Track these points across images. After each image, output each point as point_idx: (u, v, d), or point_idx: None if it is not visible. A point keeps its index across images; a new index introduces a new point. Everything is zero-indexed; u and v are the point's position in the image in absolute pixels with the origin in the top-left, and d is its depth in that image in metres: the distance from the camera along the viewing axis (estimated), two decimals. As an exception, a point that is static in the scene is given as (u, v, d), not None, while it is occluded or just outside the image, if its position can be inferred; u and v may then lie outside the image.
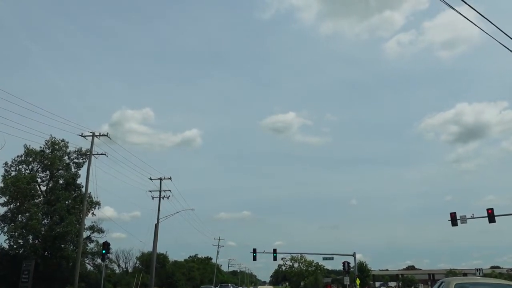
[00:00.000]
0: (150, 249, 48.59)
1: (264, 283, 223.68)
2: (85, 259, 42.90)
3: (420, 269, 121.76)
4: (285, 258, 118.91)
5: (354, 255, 55.65)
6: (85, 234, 42.64)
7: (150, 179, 47.93)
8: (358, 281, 54.93)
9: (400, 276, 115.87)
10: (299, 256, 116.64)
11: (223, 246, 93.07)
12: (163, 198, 47.94)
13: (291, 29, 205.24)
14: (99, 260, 41.74)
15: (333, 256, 58.29)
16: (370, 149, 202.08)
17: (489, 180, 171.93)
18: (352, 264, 50.22)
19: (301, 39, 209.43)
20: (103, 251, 32.01)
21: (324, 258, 58.02)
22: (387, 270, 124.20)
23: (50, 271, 34.77)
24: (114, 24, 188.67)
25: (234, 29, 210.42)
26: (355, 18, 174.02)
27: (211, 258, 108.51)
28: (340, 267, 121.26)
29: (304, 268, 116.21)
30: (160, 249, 69.38)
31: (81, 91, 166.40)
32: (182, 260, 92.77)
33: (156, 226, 46.03)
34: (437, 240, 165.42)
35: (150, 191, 47.79)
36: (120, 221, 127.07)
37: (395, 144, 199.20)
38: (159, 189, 47.76)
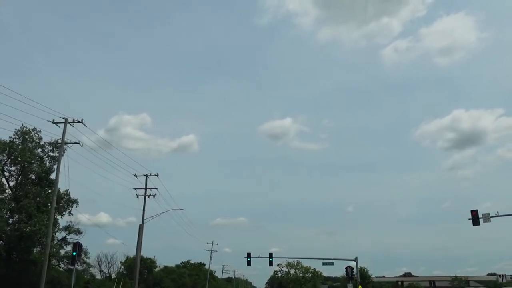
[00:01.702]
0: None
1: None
2: (61, 263, 38.57)
3: (417, 276, 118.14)
4: (281, 264, 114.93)
5: (356, 260, 51.63)
6: (60, 235, 38.59)
7: (135, 175, 43.89)
8: (360, 288, 50.99)
9: (400, 283, 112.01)
10: (295, 262, 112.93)
11: (216, 251, 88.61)
12: (148, 197, 43.88)
13: (289, 35, 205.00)
14: (75, 265, 37.28)
15: (333, 261, 54.32)
16: (367, 156, 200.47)
17: (486, 187, 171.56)
18: (354, 270, 46.13)
19: (299, 45, 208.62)
20: (74, 253, 27.86)
21: (324, 263, 53.88)
22: (383, 277, 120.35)
23: (15, 276, 30.42)
24: (113, 29, 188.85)
25: (232, 34, 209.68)
26: (353, 25, 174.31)
27: (204, 264, 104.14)
28: (337, 274, 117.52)
29: (300, 275, 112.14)
30: (149, 254, 65.02)
31: (79, 94, 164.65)
32: (173, 265, 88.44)
33: (141, 227, 41.79)
34: (433, 247, 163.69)
35: (135, 188, 43.73)
36: (115, 227, 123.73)
37: (392, 151, 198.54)
38: (144, 187, 43.78)
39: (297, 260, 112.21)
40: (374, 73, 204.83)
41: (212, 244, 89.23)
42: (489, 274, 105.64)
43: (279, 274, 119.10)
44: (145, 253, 63.71)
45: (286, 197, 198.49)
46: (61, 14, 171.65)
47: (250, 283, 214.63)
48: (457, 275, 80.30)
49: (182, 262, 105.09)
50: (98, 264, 56.46)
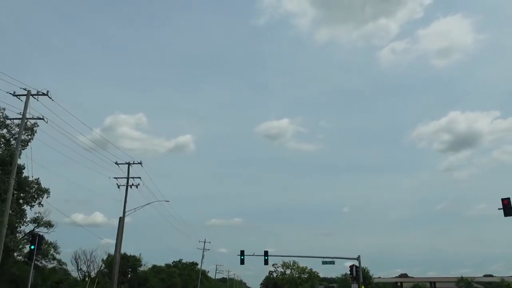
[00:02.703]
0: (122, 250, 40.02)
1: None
2: (28, 260, 33.95)
3: (413, 277, 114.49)
4: (276, 264, 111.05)
5: (358, 258, 47.41)
6: (27, 228, 34.17)
7: (116, 163, 39.42)
8: (363, 289, 46.79)
9: (399, 284, 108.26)
10: (291, 262, 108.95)
11: (208, 249, 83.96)
12: (131, 187, 39.47)
13: (287, 35, 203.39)
14: (43, 262, 32.91)
15: (334, 260, 50.11)
16: (363, 157, 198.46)
17: (480, 189, 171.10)
18: (359, 269, 41.85)
19: (297, 45, 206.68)
20: (31, 247, 23.41)
21: (324, 262, 49.56)
22: (379, 277, 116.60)
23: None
24: (111, 29, 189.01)
25: (229, 34, 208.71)
26: (350, 25, 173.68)
27: (197, 264, 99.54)
28: (333, 275, 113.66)
29: (296, 275, 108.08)
30: (136, 253, 60.13)
31: (76, 94, 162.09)
32: (163, 265, 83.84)
33: (121, 219, 37.35)
34: (427, 249, 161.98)
35: (116, 178, 39.27)
36: (110, 226, 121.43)
37: (389, 152, 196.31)
38: (126, 176, 39.33)
39: (293, 260, 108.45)
40: (371, 74, 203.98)
41: (205, 242, 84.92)
42: (485, 276, 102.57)
43: (274, 275, 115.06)
44: (136, 252, 58.97)
45: (282, 198, 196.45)
46: (60, 15, 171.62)
47: (245, 283, 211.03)
48: (463, 276, 76.13)
49: (174, 261, 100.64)
50: (76, 262, 51.70)
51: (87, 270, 50.89)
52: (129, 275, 54.69)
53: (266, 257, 49.35)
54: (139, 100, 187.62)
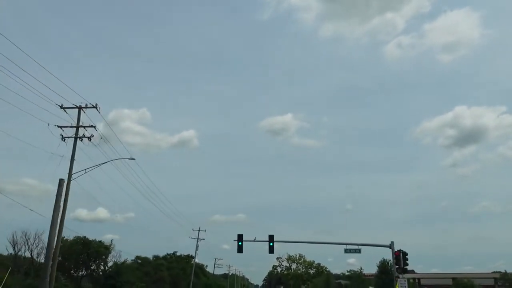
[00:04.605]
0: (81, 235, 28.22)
1: (256, 287, 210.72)
2: None
3: (418, 273, 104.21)
4: (281, 258, 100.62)
5: (391, 246, 35.92)
6: None
7: (62, 107, 27.72)
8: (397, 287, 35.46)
9: (417, 280, 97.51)
10: (297, 256, 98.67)
11: (203, 239, 72.70)
12: (81, 139, 27.88)
13: (290, 31, 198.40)
14: None
15: (360, 247, 38.62)
16: (367, 153, 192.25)
17: (485, 186, 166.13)
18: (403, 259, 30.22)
19: (301, 41, 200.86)
20: None
21: (346, 250, 38.22)
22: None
23: None
24: (114, 26, 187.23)
25: (232, 30, 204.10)
26: (355, 20, 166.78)
27: (193, 256, 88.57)
28: (337, 271, 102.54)
29: (303, 270, 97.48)
30: (139, 252, 48.37)
31: (78, 92, 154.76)
32: (150, 256, 72.50)
33: (61, 182, 25.69)
34: (430, 245, 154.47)
35: (61, 126, 27.62)
36: (113, 222, 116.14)
37: (393, 148, 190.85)
38: (75, 124, 27.77)
39: (299, 254, 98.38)
40: (376, 70, 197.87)
41: (199, 230, 73.72)
42: (494, 272, 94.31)
43: (279, 269, 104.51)
44: (135, 249, 47.73)
45: (284, 195, 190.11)
46: (59, 11, 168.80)
47: (247, 279, 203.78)
48: (497, 271, 64.73)
49: (168, 254, 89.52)
50: (13, 247, 39.71)
51: (30, 256, 38.87)
52: (92, 266, 42.92)
53: (271, 243, 37.94)
54: (143, 96, 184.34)
